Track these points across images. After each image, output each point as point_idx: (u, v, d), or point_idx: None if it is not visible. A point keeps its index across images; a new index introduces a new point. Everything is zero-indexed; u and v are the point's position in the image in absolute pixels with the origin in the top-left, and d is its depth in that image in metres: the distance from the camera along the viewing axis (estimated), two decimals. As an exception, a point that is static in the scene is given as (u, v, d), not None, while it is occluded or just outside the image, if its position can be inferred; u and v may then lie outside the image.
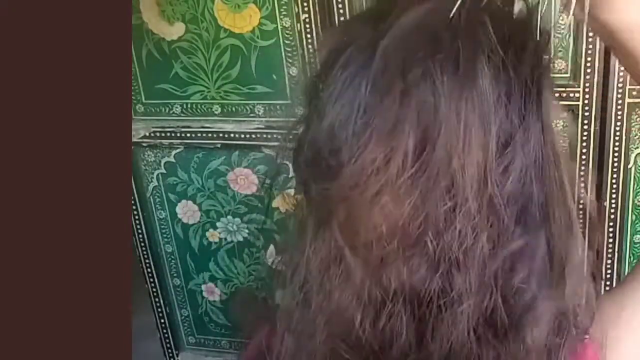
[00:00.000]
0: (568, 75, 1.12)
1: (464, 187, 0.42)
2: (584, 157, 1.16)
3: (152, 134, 1.38)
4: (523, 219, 0.44)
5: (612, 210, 1.20)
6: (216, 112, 1.33)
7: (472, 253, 0.43)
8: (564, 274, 0.45)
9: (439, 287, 0.44)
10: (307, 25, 1.19)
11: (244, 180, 1.39)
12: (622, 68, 1.07)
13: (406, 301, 0.44)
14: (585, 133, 1.15)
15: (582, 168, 1.16)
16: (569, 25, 1.09)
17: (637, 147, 1.16)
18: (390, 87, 0.42)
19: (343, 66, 0.44)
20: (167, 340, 1.64)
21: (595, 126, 1.14)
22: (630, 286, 0.53)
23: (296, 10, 1.19)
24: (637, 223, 1.22)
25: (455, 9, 0.42)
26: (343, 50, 0.45)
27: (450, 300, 0.44)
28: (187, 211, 1.46)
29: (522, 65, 0.43)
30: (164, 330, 1.63)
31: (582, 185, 1.14)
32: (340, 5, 1.15)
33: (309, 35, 1.20)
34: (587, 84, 1.11)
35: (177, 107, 1.36)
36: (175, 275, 1.56)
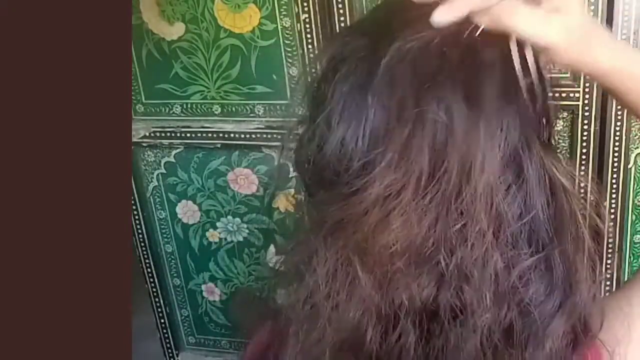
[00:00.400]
0: (568, 75, 1.12)
1: (475, 206, 0.42)
2: (584, 157, 1.16)
3: (152, 134, 1.38)
4: (535, 236, 0.45)
5: (612, 210, 1.20)
6: (216, 112, 1.33)
7: (484, 270, 0.43)
8: (575, 287, 0.46)
9: (448, 304, 0.44)
10: (307, 25, 1.19)
11: (244, 180, 1.39)
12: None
13: (415, 317, 0.45)
14: (585, 133, 1.15)
15: (582, 168, 1.16)
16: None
17: (637, 147, 1.16)
18: (402, 110, 0.42)
19: (344, 78, 0.44)
20: (167, 340, 1.64)
21: (595, 126, 1.14)
22: (634, 290, 0.53)
23: (296, 10, 1.19)
24: (637, 223, 1.22)
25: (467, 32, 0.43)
26: (343, 61, 0.45)
27: (460, 317, 0.44)
28: (187, 211, 1.46)
29: (526, 88, 0.44)
30: (164, 330, 1.63)
31: (582, 185, 1.14)
32: (340, 5, 1.15)
33: (309, 35, 1.20)
34: (587, 84, 1.11)
35: (177, 107, 1.36)
36: (175, 275, 1.56)
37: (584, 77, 1.11)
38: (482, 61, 0.43)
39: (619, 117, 1.12)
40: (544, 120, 0.46)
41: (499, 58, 0.43)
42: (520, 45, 0.44)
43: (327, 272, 0.45)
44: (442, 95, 0.41)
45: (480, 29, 0.43)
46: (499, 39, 0.44)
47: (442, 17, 0.41)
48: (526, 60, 0.44)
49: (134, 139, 1.38)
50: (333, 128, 0.44)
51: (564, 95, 1.12)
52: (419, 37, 0.43)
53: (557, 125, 1.14)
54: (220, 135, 1.34)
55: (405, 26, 0.44)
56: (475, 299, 0.44)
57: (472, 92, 0.42)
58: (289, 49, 1.23)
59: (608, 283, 1.25)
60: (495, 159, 0.42)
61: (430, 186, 0.42)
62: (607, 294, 1.20)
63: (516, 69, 0.43)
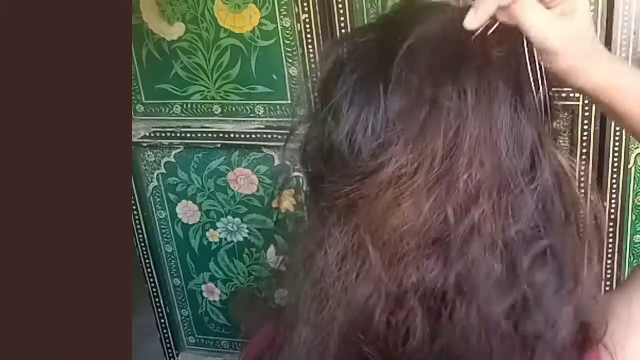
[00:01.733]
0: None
1: (487, 190, 0.43)
2: (584, 157, 1.16)
3: (152, 134, 1.38)
4: (543, 223, 0.45)
5: (612, 210, 1.20)
6: (216, 112, 1.33)
7: (493, 255, 0.44)
8: (579, 275, 0.46)
9: (456, 287, 0.45)
10: (307, 25, 1.19)
11: (244, 180, 1.39)
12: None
13: (423, 298, 0.45)
14: (585, 133, 1.15)
15: (582, 168, 1.16)
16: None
17: (637, 147, 1.16)
18: (420, 93, 0.43)
19: (353, 68, 0.46)
20: (167, 340, 1.64)
21: (595, 126, 1.14)
22: (634, 286, 0.53)
23: (296, 10, 1.19)
24: (637, 223, 1.22)
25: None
26: (351, 54, 0.47)
27: (468, 301, 0.45)
28: (187, 211, 1.46)
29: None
30: (164, 330, 1.63)
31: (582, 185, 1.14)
32: (340, 5, 1.15)
33: (309, 35, 1.20)
34: (587, 84, 1.11)
35: (177, 107, 1.36)
36: (175, 275, 1.56)
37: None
38: (497, 51, 0.44)
39: (619, 117, 1.12)
40: (549, 113, 0.47)
41: (511, 49, 0.45)
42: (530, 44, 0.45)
43: (338, 253, 0.46)
44: (459, 80, 0.43)
45: (496, 24, 0.45)
46: (512, 32, 0.45)
47: (472, 24, 0.43)
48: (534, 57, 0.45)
49: (134, 139, 1.38)
50: (343, 114, 0.45)
51: (564, 95, 1.12)
52: (440, 23, 0.45)
53: (558, 124, 1.14)
54: (220, 135, 1.34)
55: (418, 18, 0.45)
56: (483, 284, 0.44)
57: (487, 80, 0.43)
58: (289, 49, 1.23)
59: (608, 283, 1.25)
60: (508, 145, 0.43)
61: (442, 168, 0.43)
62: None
63: (526, 64, 0.45)
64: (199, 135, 1.35)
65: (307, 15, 1.18)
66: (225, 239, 1.47)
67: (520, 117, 0.44)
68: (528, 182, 0.44)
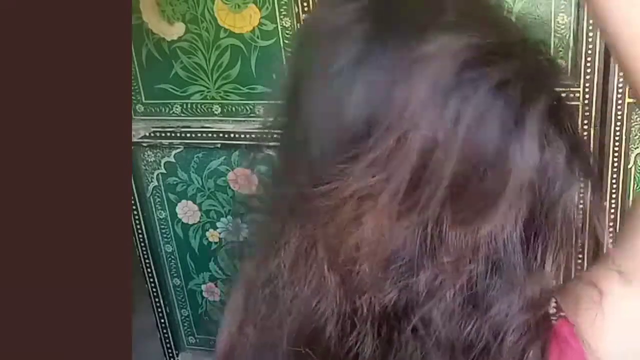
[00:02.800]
0: (568, 75, 1.12)
1: (455, 234, 0.42)
2: (584, 157, 1.16)
3: (152, 134, 1.38)
4: (508, 258, 0.44)
5: (612, 210, 1.20)
6: (216, 112, 1.33)
7: (449, 288, 0.43)
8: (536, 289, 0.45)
9: (410, 315, 0.44)
10: (307, 25, 1.19)
11: (244, 180, 1.39)
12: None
13: (374, 322, 0.44)
14: (585, 133, 1.15)
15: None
16: (569, 25, 1.09)
17: (637, 147, 1.16)
18: (393, 116, 0.40)
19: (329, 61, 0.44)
20: (167, 340, 1.64)
21: (595, 126, 1.14)
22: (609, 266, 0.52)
23: (296, 10, 1.19)
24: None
25: None
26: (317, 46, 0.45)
27: (422, 331, 0.44)
28: (187, 211, 1.46)
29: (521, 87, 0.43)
30: (164, 330, 1.63)
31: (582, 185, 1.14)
32: (340, 5, 1.15)
33: (309, 35, 1.20)
34: (587, 84, 1.11)
35: (177, 107, 1.36)
36: (175, 275, 1.56)
37: (584, 77, 1.11)
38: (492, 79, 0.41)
39: (619, 117, 1.12)
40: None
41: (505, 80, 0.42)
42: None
43: (290, 257, 0.45)
44: (439, 108, 0.40)
45: None
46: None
47: None
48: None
49: (134, 139, 1.38)
50: (306, 119, 0.44)
51: (563, 95, 1.12)
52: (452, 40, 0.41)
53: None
54: (220, 135, 1.34)
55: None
56: (438, 315, 0.43)
57: (472, 110, 0.40)
58: (289, 49, 1.23)
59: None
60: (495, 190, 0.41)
61: (409, 196, 0.41)
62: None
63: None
64: (199, 135, 1.35)
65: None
66: (226, 239, 1.47)
67: (511, 155, 0.41)
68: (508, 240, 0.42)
